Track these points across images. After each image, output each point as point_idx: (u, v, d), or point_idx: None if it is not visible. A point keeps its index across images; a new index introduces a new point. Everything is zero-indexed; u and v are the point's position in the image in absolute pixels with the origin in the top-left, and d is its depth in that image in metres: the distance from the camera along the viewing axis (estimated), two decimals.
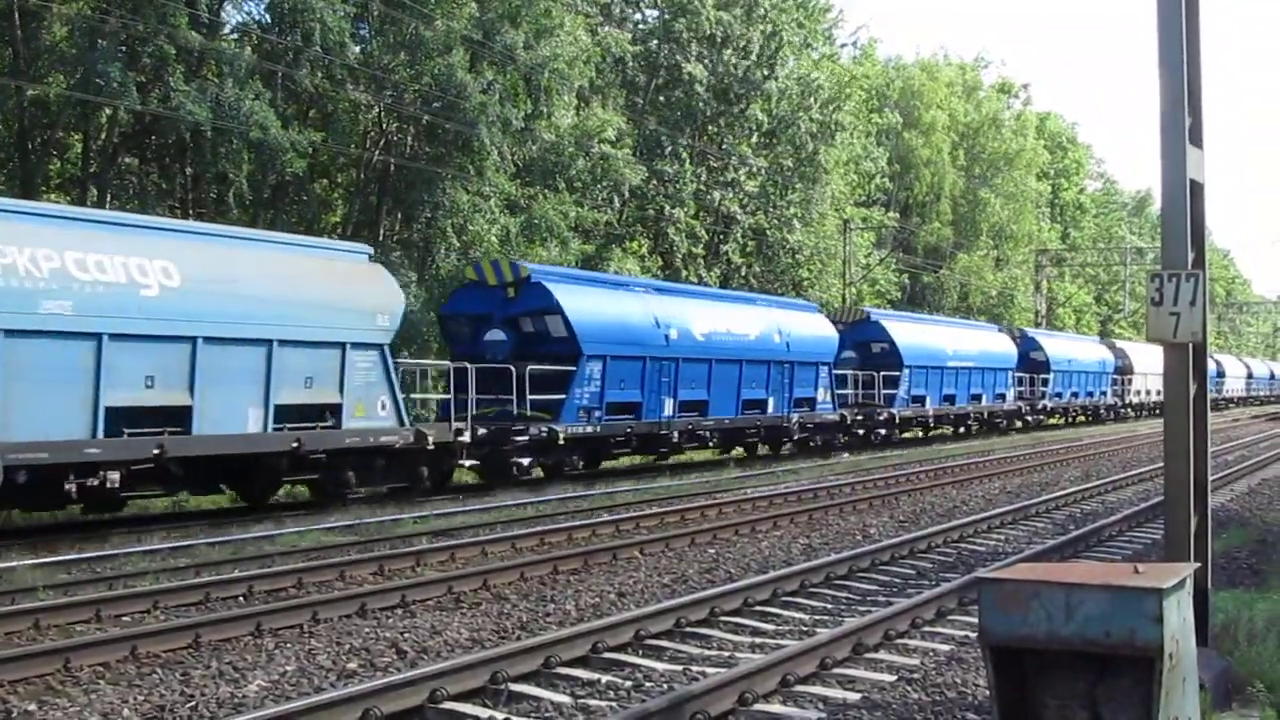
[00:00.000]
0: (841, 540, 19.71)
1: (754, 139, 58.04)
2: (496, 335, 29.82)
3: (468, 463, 27.13)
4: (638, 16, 56.65)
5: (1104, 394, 70.64)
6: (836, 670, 10.81)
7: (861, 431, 43.71)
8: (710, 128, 56.29)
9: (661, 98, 54.99)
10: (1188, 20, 10.07)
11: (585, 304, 30.51)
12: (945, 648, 11.77)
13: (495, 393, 28.05)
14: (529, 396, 28.27)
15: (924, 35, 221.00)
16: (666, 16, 54.91)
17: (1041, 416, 60.92)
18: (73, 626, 12.66)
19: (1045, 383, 60.67)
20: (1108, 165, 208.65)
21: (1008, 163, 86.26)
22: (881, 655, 11.49)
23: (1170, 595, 6.90)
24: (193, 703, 9.85)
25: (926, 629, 12.61)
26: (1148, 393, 75.76)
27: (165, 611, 13.47)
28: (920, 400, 47.30)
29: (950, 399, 50.02)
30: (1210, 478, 10.72)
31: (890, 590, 15.13)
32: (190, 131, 33.08)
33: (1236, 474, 31.08)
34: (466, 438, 25.83)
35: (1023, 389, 58.75)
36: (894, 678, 10.60)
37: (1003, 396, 55.33)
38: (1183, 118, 9.97)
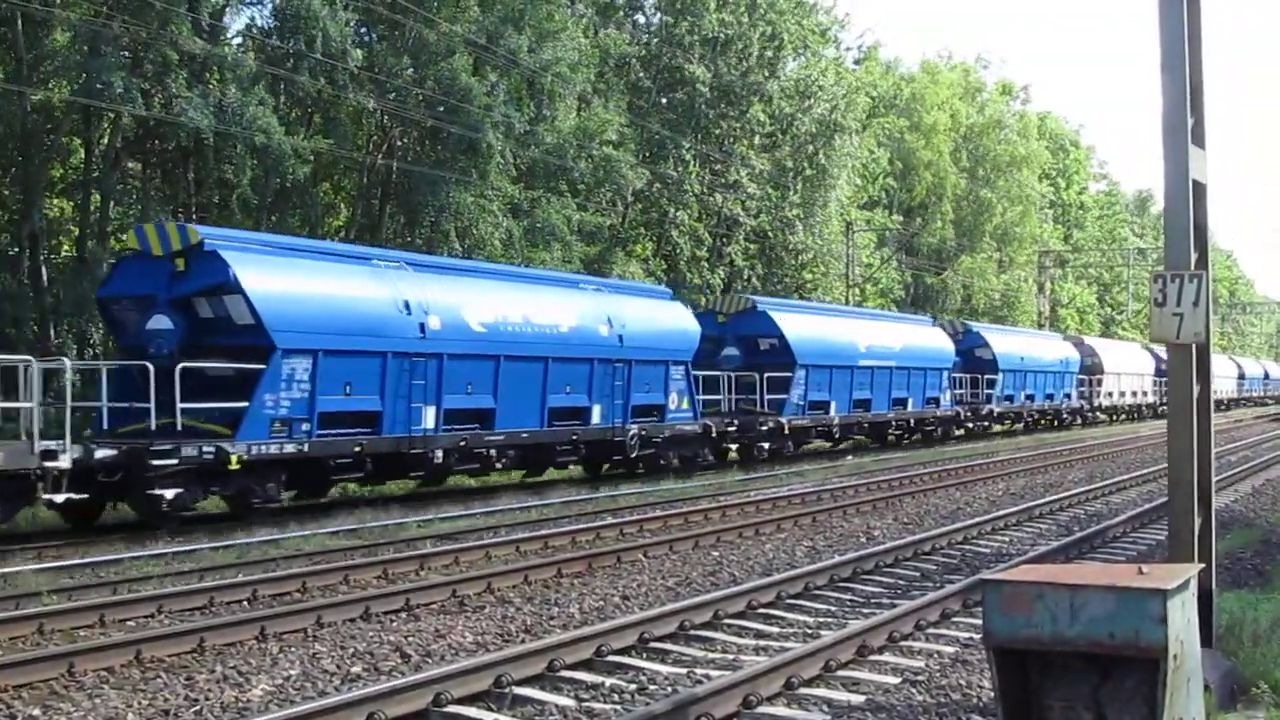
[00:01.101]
0: (845, 542, 19.71)
1: (756, 140, 58.03)
2: (161, 323, 22.08)
3: (60, 498, 19.30)
4: (639, 19, 56.66)
5: (1067, 396, 64.14)
6: (841, 672, 10.81)
7: (736, 446, 37.04)
8: (713, 130, 56.29)
9: (664, 99, 55.00)
10: (1189, 20, 10.07)
11: (282, 282, 22.94)
12: (950, 649, 11.76)
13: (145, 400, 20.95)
14: (181, 405, 20.90)
15: (924, 36, 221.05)
16: (668, 19, 54.96)
17: (986, 423, 54.10)
18: (77, 631, 12.66)
19: (992, 384, 54.37)
20: (1110, 166, 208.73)
21: (1010, 164, 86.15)
22: (886, 657, 11.48)
23: (1175, 596, 6.90)
24: (197, 707, 9.86)
25: (931, 631, 12.61)
26: (1121, 394, 71.71)
27: (169, 616, 13.46)
28: (821, 406, 39.79)
29: (863, 404, 42.30)
30: (1214, 478, 10.70)
31: (894, 592, 15.12)
32: (191, 137, 33.07)
33: (1241, 475, 31.04)
34: (63, 461, 18.83)
35: (963, 391, 51.94)
36: (898, 680, 10.60)
37: (936, 401, 48.03)
38: (1185, 118, 9.96)
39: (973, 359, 53.44)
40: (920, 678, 10.64)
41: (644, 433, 31.01)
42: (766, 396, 37.41)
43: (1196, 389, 10.03)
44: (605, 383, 29.91)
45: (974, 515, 22.92)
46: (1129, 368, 73.18)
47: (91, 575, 16.23)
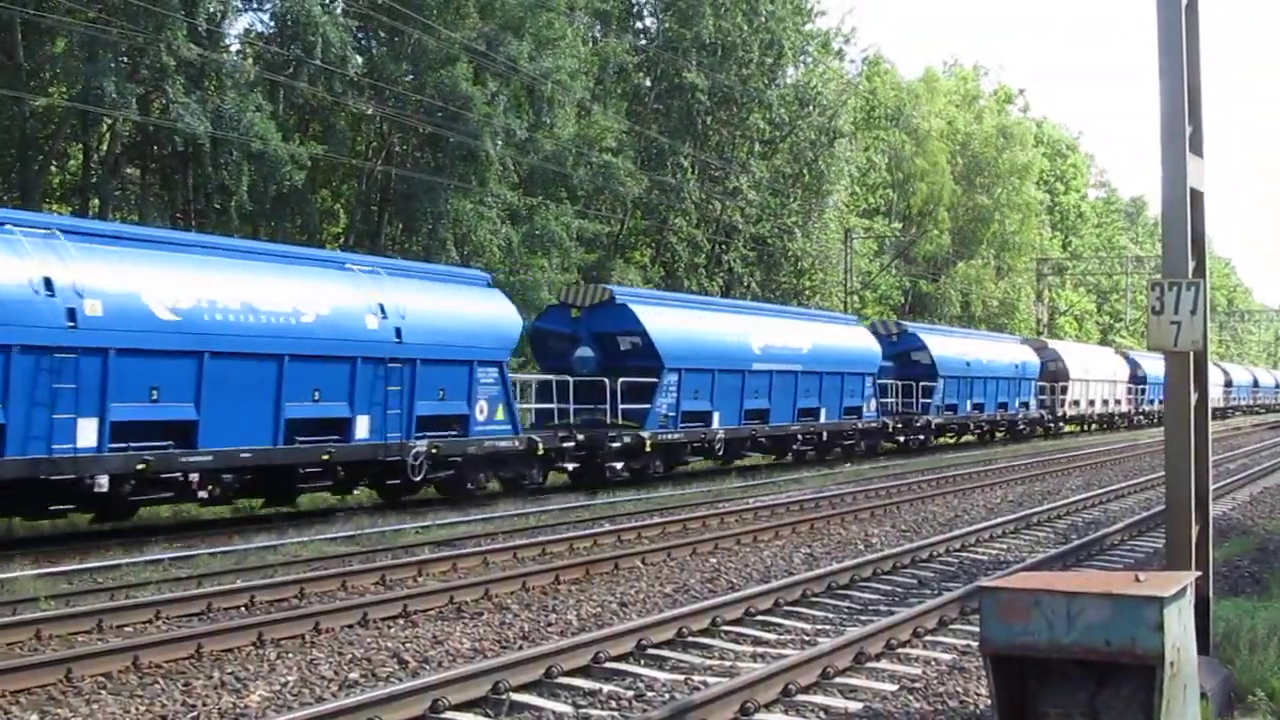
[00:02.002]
0: (843, 549, 19.72)
1: (755, 148, 58.09)
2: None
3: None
4: (638, 25, 56.69)
5: (1025, 405, 57.57)
6: (838, 680, 10.82)
7: (573, 466, 30.25)
8: (712, 137, 56.34)
9: (661, 106, 55.04)
10: (1188, 28, 10.09)
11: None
12: (947, 657, 11.78)
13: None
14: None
15: (923, 46, 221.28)
16: (666, 26, 55.03)
17: (922, 435, 47.77)
18: (74, 637, 12.66)
19: (930, 392, 48.10)
20: (1109, 174, 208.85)
21: (1008, 173, 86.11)
22: (883, 664, 11.49)
23: (1171, 604, 6.91)
24: (194, 713, 9.86)
25: (928, 638, 12.62)
26: (1090, 403, 66.14)
27: (167, 622, 13.46)
28: (700, 418, 33.61)
29: (759, 415, 36.29)
30: (1211, 486, 10.72)
31: (892, 599, 15.13)
32: (188, 143, 33.08)
33: (1238, 483, 31.04)
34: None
35: (894, 400, 46.85)
36: (896, 687, 10.61)
37: (857, 411, 41.81)
38: (1183, 126, 9.98)
39: (908, 363, 47.67)
40: (918, 685, 10.66)
41: (436, 450, 24.93)
42: (623, 406, 31.25)
43: (1194, 397, 10.04)
44: (374, 388, 23.81)
45: (972, 523, 22.93)
46: (1099, 374, 68.03)
47: (90, 581, 16.23)
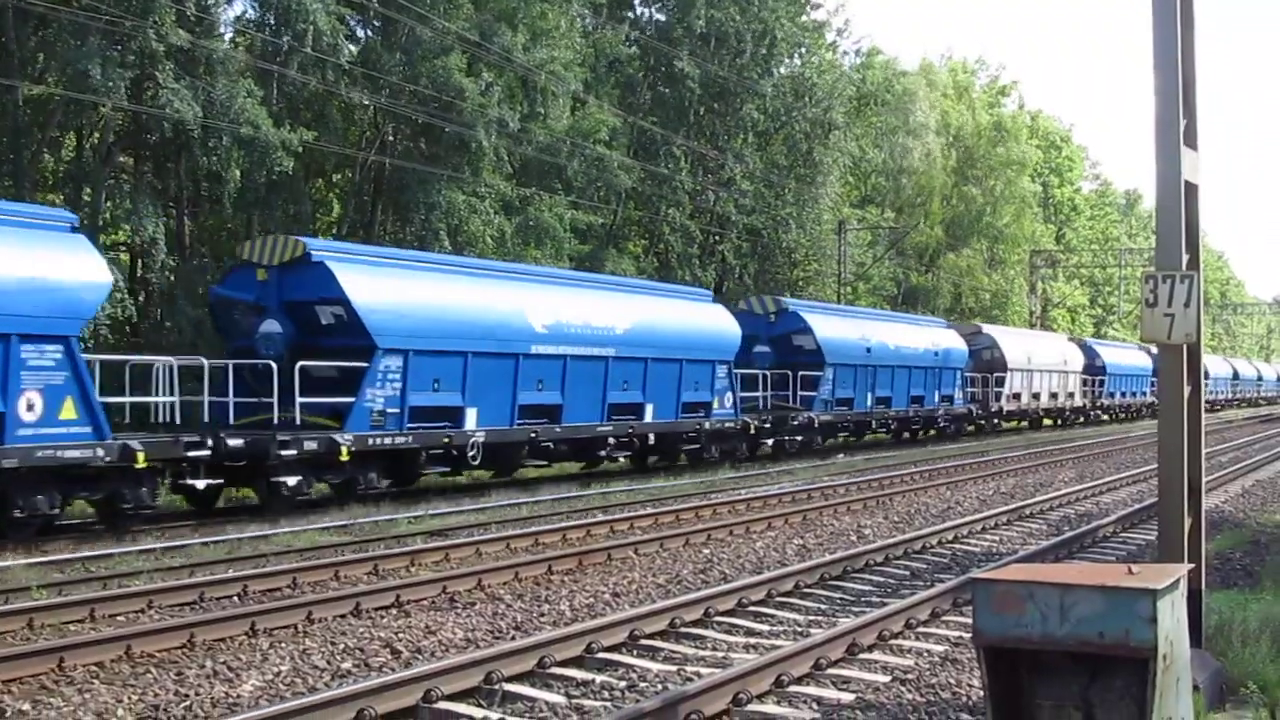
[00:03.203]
0: (836, 541, 19.73)
1: (749, 138, 58.06)
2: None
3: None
4: (631, 15, 56.62)
5: (948, 399, 49.95)
6: (831, 671, 10.82)
7: (205, 485, 22.05)
8: (706, 128, 56.30)
9: (652, 94, 54.98)
10: (1182, 22, 10.09)
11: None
12: (940, 648, 11.79)
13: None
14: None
15: (916, 35, 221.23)
16: (659, 17, 55.03)
17: (799, 436, 38.81)
18: (67, 626, 12.66)
19: (813, 383, 40.13)
20: (1103, 167, 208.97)
21: (1002, 166, 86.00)
22: (876, 656, 11.50)
23: (1164, 596, 6.91)
24: (187, 702, 9.85)
25: (921, 630, 12.63)
26: (1034, 396, 59.28)
27: (160, 611, 13.46)
28: (445, 415, 26.08)
29: (545, 412, 28.51)
30: (1204, 479, 10.73)
31: (885, 591, 15.14)
32: (177, 129, 32.98)
33: (1230, 475, 31.09)
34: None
35: (763, 394, 38.71)
36: (888, 678, 10.62)
37: (704, 407, 34.24)
38: (1177, 119, 9.98)
39: (788, 348, 40.00)
40: (910, 676, 10.66)
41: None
42: (302, 399, 23.27)
43: (1187, 390, 10.04)
44: None
45: (965, 514, 22.96)
46: (1045, 362, 60.66)
47: (82, 570, 16.23)
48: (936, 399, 48.94)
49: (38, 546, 18.11)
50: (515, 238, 41.35)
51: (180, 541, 18.68)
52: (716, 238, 56.94)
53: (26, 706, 9.77)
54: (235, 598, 14.28)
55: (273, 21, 37.08)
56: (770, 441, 37.89)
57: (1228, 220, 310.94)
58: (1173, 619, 7.12)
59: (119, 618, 13.12)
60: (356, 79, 37.88)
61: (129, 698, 10.00)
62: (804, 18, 62.03)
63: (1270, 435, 54.62)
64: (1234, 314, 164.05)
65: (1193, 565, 9.62)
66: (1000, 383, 55.01)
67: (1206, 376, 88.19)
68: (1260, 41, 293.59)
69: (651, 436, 32.34)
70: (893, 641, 12.05)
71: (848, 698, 10.01)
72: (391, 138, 41.47)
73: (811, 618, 13.42)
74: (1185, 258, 9.96)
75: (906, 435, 49.11)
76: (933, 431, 50.29)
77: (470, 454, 26.08)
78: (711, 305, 37.09)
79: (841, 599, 14.59)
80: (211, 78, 33.43)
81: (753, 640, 12.29)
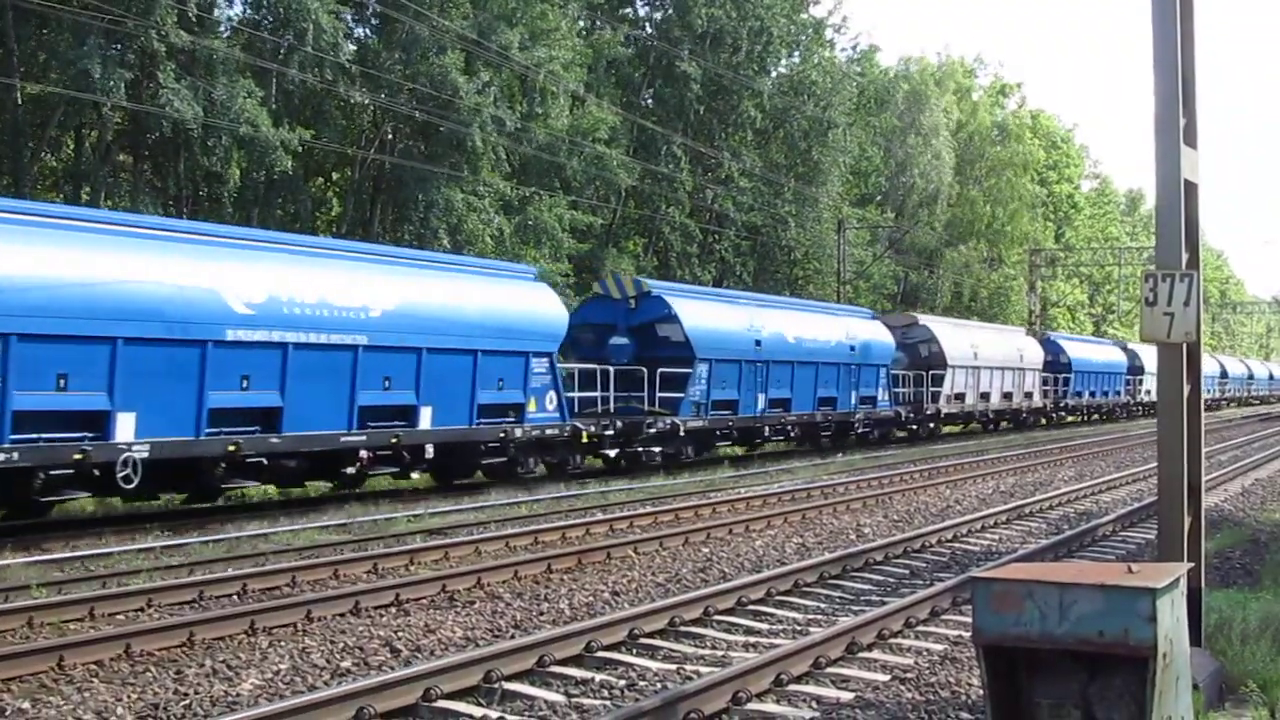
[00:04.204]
0: (835, 539, 19.73)
1: (748, 137, 58.07)
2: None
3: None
4: (628, 11, 56.65)
5: (868, 400, 42.91)
6: (830, 670, 10.82)
7: None
8: (704, 126, 56.30)
9: (652, 92, 55.00)
10: (1182, 21, 10.09)
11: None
12: (939, 647, 11.78)
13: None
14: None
15: (917, 35, 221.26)
16: (657, 15, 55.10)
17: (657, 447, 32.38)
18: (66, 625, 12.64)
19: (682, 382, 33.13)
20: (1103, 165, 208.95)
21: (1003, 165, 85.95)
22: (875, 655, 11.50)
23: (1164, 595, 6.91)
24: (186, 701, 9.84)
25: (920, 628, 12.63)
26: (982, 396, 52.76)
27: (159, 610, 13.45)
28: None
29: (253, 418, 21.92)
30: (1204, 478, 10.73)
31: (884, 590, 15.14)
32: (176, 128, 32.99)
33: (1230, 474, 31.08)
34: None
35: (604, 394, 32.00)
36: (888, 677, 10.61)
37: (512, 410, 27.67)
38: (1177, 118, 9.98)
39: (651, 340, 33.61)
40: (909, 675, 10.66)
41: None
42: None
43: (1187, 389, 10.04)
44: None
45: (964, 513, 22.96)
46: (995, 359, 53.91)
47: (81, 569, 16.21)
48: (854, 401, 41.79)
49: (37, 545, 18.10)
50: (514, 237, 41.37)
51: (180, 540, 18.66)
52: (715, 236, 56.96)
53: (26, 705, 9.76)
54: (234, 596, 14.26)
55: (271, 20, 37.09)
56: (614, 453, 31.47)
57: (1228, 219, 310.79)
58: (1172, 618, 7.12)
59: (118, 616, 13.11)
60: (355, 78, 37.89)
61: (128, 696, 10.00)
62: (802, 15, 62.05)
63: (1269, 434, 54.51)
64: (1233, 313, 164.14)
65: (1192, 564, 9.62)
66: (939, 381, 48.62)
67: None
68: (1260, 39, 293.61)
69: (430, 448, 25.37)
70: (892, 640, 12.04)
71: (847, 696, 10.01)
72: (391, 136, 41.48)
73: (811, 616, 13.42)
74: (1185, 256, 9.96)
75: (819, 439, 41.42)
76: (852, 438, 42.83)
77: (122, 474, 19.35)
78: (530, 285, 29.62)
79: (841, 598, 14.58)
80: (211, 77, 33.45)
81: (752, 639, 12.28)
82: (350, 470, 24.45)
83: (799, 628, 12.80)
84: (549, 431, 28.40)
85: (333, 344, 22.91)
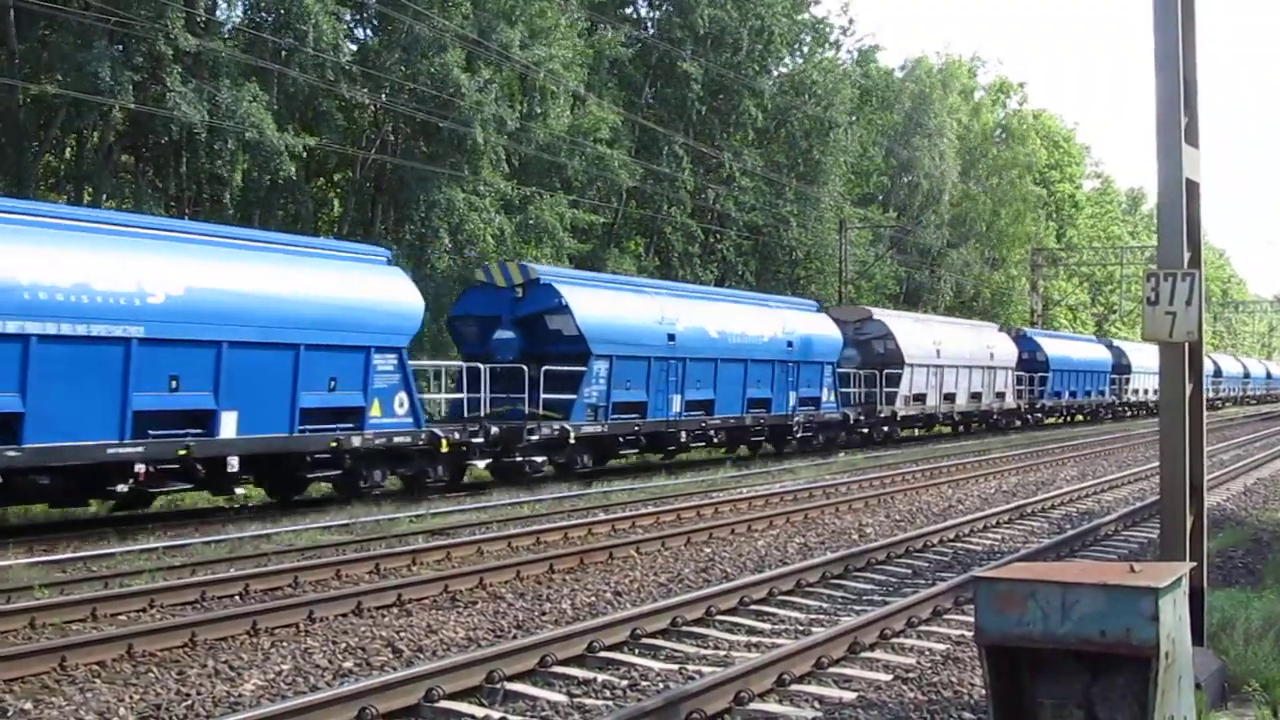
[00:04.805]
0: (837, 539, 19.72)
1: (749, 136, 58.07)
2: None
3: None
4: (629, 11, 56.67)
5: (810, 402, 38.88)
6: (833, 669, 10.82)
7: None
8: (706, 125, 56.28)
9: (653, 92, 54.99)
10: (1184, 20, 10.08)
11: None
12: (941, 647, 11.78)
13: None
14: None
15: (918, 35, 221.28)
16: (658, 15, 55.13)
17: (539, 458, 28.58)
18: (69, 625, 12.65)
19: (575, 382, 29.24)
20: (1105, 165, 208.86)
21: (1006, 166, 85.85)
22: (878, 654, 11.50)
23: (1166, 594, 6.91)
24: (189, 701, 9.85)
25: (923, 628, 12.63)
26: (946, 397, 48.48)
27: (161, 610, 13.45)
28: None
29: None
30: (1206, 477, 10.73)
31: (886, 589, 15.14)
32: (184, 131, 33.05)
33: (1232, 473, 31.07)
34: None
35: (470, 395, 27.55)
36: (890, 677, 10.61)
37: (353, 415, 23.65)
38: (1179, 117, 9.97)
39: (541, 334, 29.76)
40: (912, 675, 10.66)
41: None
42: None
43: (1189, 388, 10.04)
44: None
45: (966, 512, 22.96)
46: (962, 356, 50.04)
47: (83, 569, 16.21)
48: (792, 402, 37.73)
49: (40, 546, 18.11)
50: (515, 236, 41.37)
51: (182, 541, 18.66)
52: (717, 236, 56.96)
53: (29, 705, 9.77)
54: (237, 597, 14.27)
55: (271, 21, 37.12)
56: (483, 464, 27.45)
57: (1230, 218, 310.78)
58: (1175, 617, 7.11)
59: (120, 617, 13.12)
60: (356, 78, 37.91)
61: (130, 697, 10.00)
62: (802, 15, 62.08)
63: (1270, 434, 54.46)
64: (1235, 312, 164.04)
65: (1195, 563, 9.62)
66: (895, 381, 44.60)
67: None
68: (1261, 38, 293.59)
69: (234, 460, 21.26)
70: (894, 640, 12.04)
71: (849, 696, 10.01)
72: (392, 137, 41.49)
73: (813, 616, 13.42)
74: (1187, 255, 9.96)
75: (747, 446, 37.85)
76: (792, 444, 39.00)
77: None
78: (378, 269, 25.27)
79: (843, 597, 14.58)
80: (216, 80, 33.48)
81: (754, 639, 12.28)
82: (123, 488, 20.00)
83: (801, 627, 12.80)
84: (398, 439, 24.31)
85: (95, 336, 18.96)
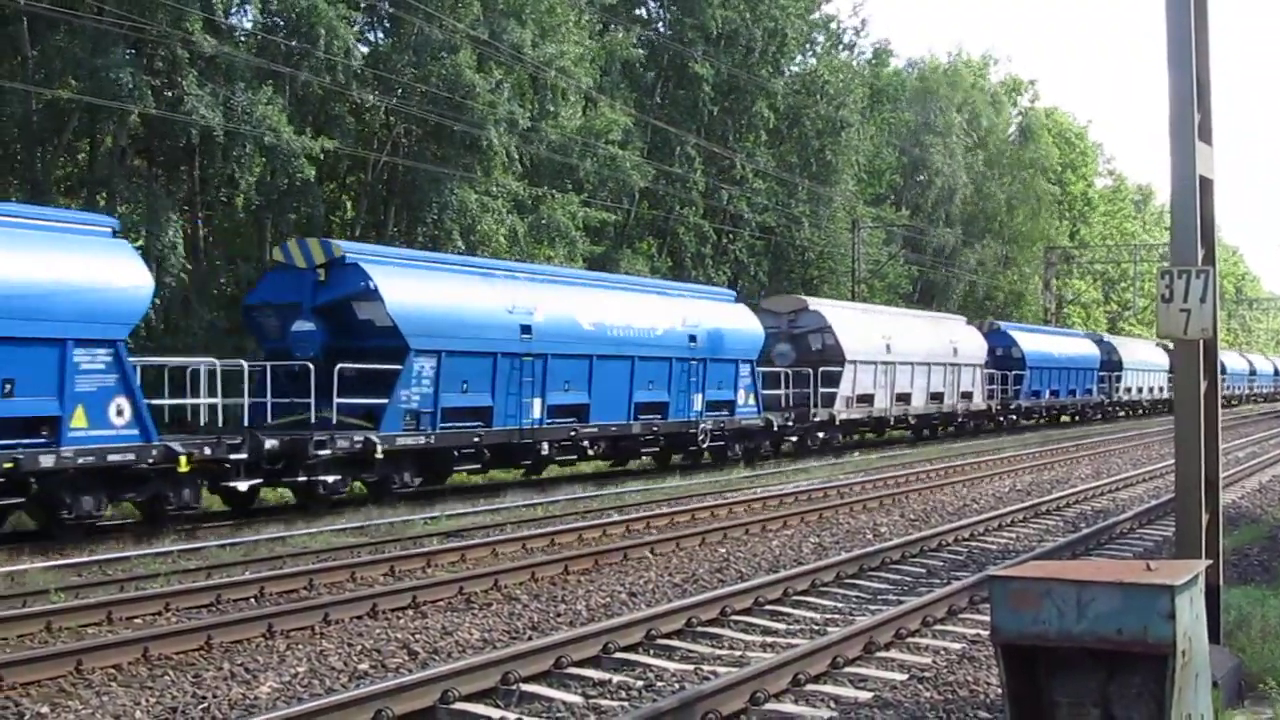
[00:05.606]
0: (852, 539, 19.71)
1: (761, 137, 58.04)
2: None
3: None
4: (641, 12, 56.69)
5: (723, 406, 33.88)
6: (848, 669, 10.82)
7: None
8: (718, 126, 56.25)
9: (666, 98, 55.00)
10: (1196, 17, 10.07)
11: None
12: (957, 646, 11.77)
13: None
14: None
15: (931, 34, 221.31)
16: (670, 15, 55.13)
17: (331, 477, 22.98)
18: (85, 629, 12.68)
19: (389, 383, 24.27)
20: (1117, 162, 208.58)
21: (1020, 165, 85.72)
22: (893, 654, 11.49)
23: (1183, 592, 6.90)
24: (204, 704, 9.88)
25: (938, 627, 12.62)
26: (900, 399, 43.72)
27: (177, 613, 13.48)
28: None
29: None
30: (1221, 474, 10.71)
31: (901, 589, 15.13)
32: (201, 135, 33.10)
33: (1247, 471, 31.01)
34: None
35: (245, 400, 23.65)
36: (906, 676, 10.61)
37: (46, 425, 18.67)
38: (1192, 114, 9.96)
39: (349, 327, 24.81)
40: (928, 674, 10.65)
41: None
42: None
43: (1204, 385, 10.02)
44: None
45: (980, 511, 22.93)
46: (917, 352, 44.96)
47: (99, 573, 16.25)
48: (697, 406, 32.66)
49: (56, 550, 18.14)
50: (528, 237, 41.37)
51: (197, 544, 18.70)
52: (730, 237, 56.94)
53: (45, 709, 9.80)
54: (252, 599, 14.29)
55: (283, 26, 37.15)
56: (245, 486, 21.97)
57: (1243, 215, 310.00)
58: (1191, 615, 7.11)
59: (136, 620, 13.14)
60: (367, 80, 37.95)
61: (147, 700, 10.03)
62: (814, 15, 62.12)
63: None
64: (1249, 309, 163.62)
65: (1210, 561, 9.60)
66: (834, 380, 39.31)
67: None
68: (1273, 34, 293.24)
69: None
70: (910, 640, 12.04)
71: (865, 696, 10.01)
72: (404, 139, 41.52)
73: (828, 616, 13.42)
74: (1201, 253, 9.95)
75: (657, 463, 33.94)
76: (705, 455, 33.86)
77: None
78: (91, 242, 20.01)
79: (858, 597, 14.58)
80: (231, 84, 33.53)
81: (770, 639, 12.28)
82: None
83: (816, 627, 12.80)
84: (115, 458, 19.19)
85: None
